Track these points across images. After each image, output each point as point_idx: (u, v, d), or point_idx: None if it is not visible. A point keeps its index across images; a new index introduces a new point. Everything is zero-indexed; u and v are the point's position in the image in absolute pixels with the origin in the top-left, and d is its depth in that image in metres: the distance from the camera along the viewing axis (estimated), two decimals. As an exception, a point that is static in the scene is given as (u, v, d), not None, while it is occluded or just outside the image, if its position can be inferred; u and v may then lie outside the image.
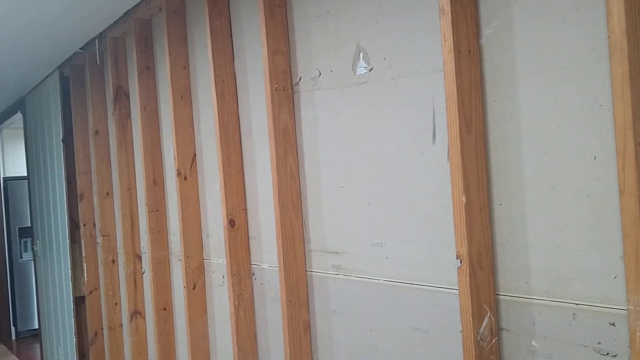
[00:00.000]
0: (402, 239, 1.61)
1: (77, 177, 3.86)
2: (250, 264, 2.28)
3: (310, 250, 1.96)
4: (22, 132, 5.40)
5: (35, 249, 5.03)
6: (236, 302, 2.25)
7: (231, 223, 2.26)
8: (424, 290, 1.55)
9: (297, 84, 1.96)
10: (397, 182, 1.62)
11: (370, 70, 1.68)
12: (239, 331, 2.25)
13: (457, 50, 1.37)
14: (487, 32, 1.38)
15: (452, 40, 1.37)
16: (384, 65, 1.64)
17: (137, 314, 3.17)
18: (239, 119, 2.28)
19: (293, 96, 1.98)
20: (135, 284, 3.19)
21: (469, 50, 1.39)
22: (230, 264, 2.26)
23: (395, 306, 1.64)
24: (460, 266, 1.35)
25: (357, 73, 1.72)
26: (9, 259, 6.89)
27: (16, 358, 6.07)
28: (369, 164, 1.71)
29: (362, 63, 1.70)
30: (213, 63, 2.24)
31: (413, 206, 1.58)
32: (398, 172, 1.62)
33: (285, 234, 1.97)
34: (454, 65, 1.37)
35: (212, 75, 2.24)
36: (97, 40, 3.31)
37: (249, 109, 2.22)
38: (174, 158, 2.60)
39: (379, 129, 1.67)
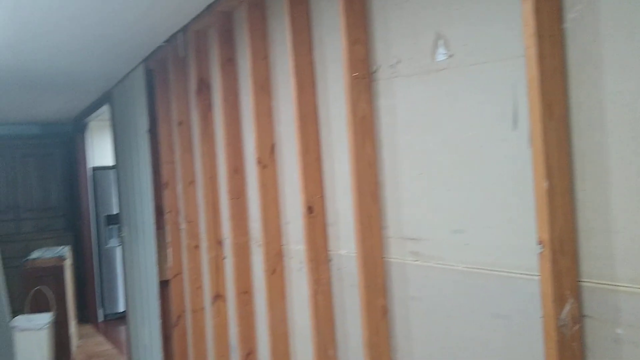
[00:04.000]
0: (482, 225, 1.61)
1: (161, 166, 4.04)
2: (328, 251, 2.32)
3: (388, 237, 1.99)
4: (108, 123, 5.68)
5: (122, 235, 5.29)
6: (314, 288, 2.31)
7: (309, 210, 2.32)
8: (504, 276, 1.55)
9: (375, 72, 1.99)
10: (477, 168, 1.63)
11: (450, 57, 1.69)
12: (318, 316, 2.31)
13: (539, 35, 1.36)
14: (571, 16, 1.36)
15: (533, 26, 1.36)
16: (464, 51, 1.64)
17: (218, 297, 3.30)
18: (317, 108, 2.32)
19: (371, 84, 2.00)
20: (217, 268, 3.31)
21: (552, 35, 1.38)
22: (308, 250, 2.32)
23: (474, 293, 1.65)
24: (542, 252, 1.35)
25: (436, 60, 1.73)
26: (97, 246, 7.27)
27: (103, 338, 6.41)
28: (448, 150, 1.72)
29: (441, 50, 1.71)
30: (293, 53, 2.29)
31: (493, 192, 1.58)
32: (477, 158, 1.62)
33: (363, 221, 2.00)
34: (535, 50, 1.36)
35: (292, 65, 2.30)
36: (180, 34, 3.44)
37: (328, 97, 2.26)
38: (254, 147, 2.68)
39: (458, 116, 1.68)
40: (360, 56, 2.00)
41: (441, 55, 1.71)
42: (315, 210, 2.32)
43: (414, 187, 1.86)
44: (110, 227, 7.27)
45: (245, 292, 2.97)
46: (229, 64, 2.98)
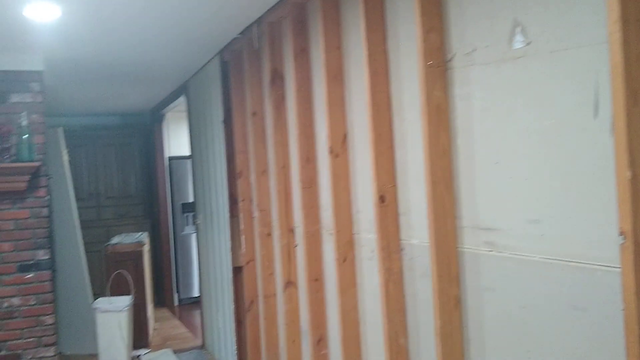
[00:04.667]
0: (560, 216, 1.58)
1: (235, 156, 4.13)
2: (400, 240, 2.33)
3: (462, 227, 1.97)
4: (184, 114, 5.85)
5: (197, 222, 5.45)
6: (386, 276, 2.32)
7: (381, 199, 2.33)
8: (583, 268, 1.52)
9: (450, 60, 1.97)
10: (555, 158, 1.59)
11: (528, 44, 1.65)
12: (389, 304, 2.32)
13: (624, 20, 1.32)
14: (659, -1, 1.31)
15: (618, 10, 1.32)
16: (543, 38, 1.61)
17: (290, 284, 3.36)
18: (390, 96, 2.33)
19: (446, 73, 1.99)
20: (289, 256, 3.37)
21: (638, 20, 1.33)
22: (380, 239, 2.33)
23: (550, 284, 1.62)
24: (624, 243, 1.31)
25: (513, 47, 1.70)
26: (173, 233, 7.51)
27: (179, 321, 6.63)
28: (524, 139, 1.69)
29: (519, 37, 1.68)
30: (366, 42, 2.30)
31: (572, 182, 1.55)
32: (556, 147, 1.59)
33: (437, 210, 2.00)
34: (620, 36, 1.32)
35: (366, 54, 2.31)
36: (255, 26, 3.51)
37: (401, 86, 2.26)
38: (327, 136, 2.71)
39: (536, 104, 1.65)
40: (435, 44, 1.99)
41: (519, 42, 1.68)
42: (387, 200, 2.32)
43: (489, 177, 1.84)
44: (186, 214, 7.49)
45: (316, 280, 3.02)
46: (302, 54, 3.01)
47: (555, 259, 1.60)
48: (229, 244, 4.40)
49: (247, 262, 4.10)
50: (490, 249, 1.85)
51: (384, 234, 2.32)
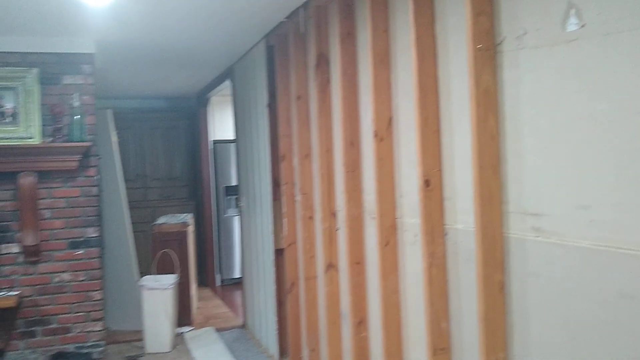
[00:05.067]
0: (610, 202, 1.55)
1: (279, 139, 4.17)
2: (444, 225, 2.32)
3: (509, 212, 1.96)
4: (229, 98, 5.92)
5: (240, 205, 5.53)
6: (429, 261, 2.32)
7: (426, 183, 2.32)
8: (633, 255, 1.49)
9: (500, 43, 1.95)
10: (608, 142, 1.56)
11: (582, 26, 1.62)
12: (431, 288, 2.32)
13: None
14: None
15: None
16: (598, 20, 1.57)
17: (331, 267, 3.39)
18: (437, 80, 2.31)
19: (495, 56, 1.97)
20: (330, 239, 3.39)
21: (699, 1, 1.29)
22: (424, 224, 2.33)
23: (599, 271, 1.60)
24: (678, 230, 1.28)
25: (567, 30, 1.67)
26: (216, 215, 7.63)
27: (221, 301, 6.75)
28: (575, 124, 1.67)
29: (573, 20, 1.65)
30: (414, 25, 2.29)
31: (623, 167, 1.52)
32: (608, 132, 1.56)
33: (483, 195, 1.99)
34: (680, 17, 1.29)
35: (413, 37, 2.29)
36: (301, 10, 3.52)
37: (448, 70, 2.25)
38: (372, 120, 2.71)
39: (589, 88, 1.62)
40: (485, 28, 1.96)
41: (572, 25, 1.65)
42: (432, 184, 2.32)
43: (537, 162, 1.82)
44: (229, 197, 7.60)
45: (357, 263, 3.04)
46: (349, 38, 3.01)
47: (604, 246, 1.58)
48: (271, 227, 4.45)
49: (289, 245, 4.15)
50: (537, 235, 1.83)
51: (428, 218, 2.32)
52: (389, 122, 2.68)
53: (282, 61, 4.08)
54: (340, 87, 3.04)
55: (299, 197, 3.94)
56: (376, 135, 2.68)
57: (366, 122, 2.93)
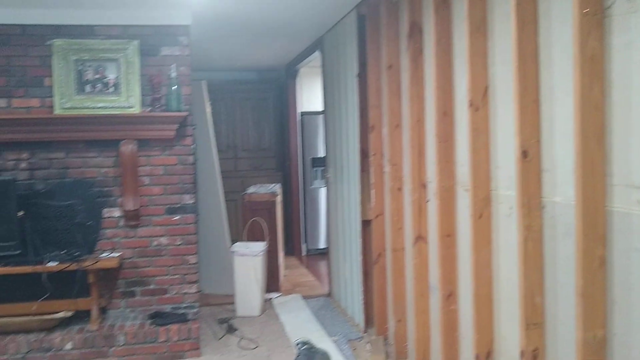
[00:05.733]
0: None
1: (368, 110, 4.16)
2: (541, 197, 2.26)
3: (612, 185, 1.88)
4: (318, 70, 5.94)
5: (327, 176, 5.58)
6: (524, 234, 2.26)
7: (524, 154, 2.26)
8: None
9: (609, 7, 1.85)
10: None
11: None
12: (526, 262, 2.27)
13: None
14: None
15: None
16: None
17: (420, 239, 3.37)
18: (538, 47, 2.23)
19: (603, 21, 1.87)
20: (419, 211, 3.37)
21: None
22: (520, 196, 2.27)
23: None
24: None
25: (686, -9, 1.56)
26: (303, 186, 7.75)
27: (306, 270, 6.88)
28: (692, 92, 1.57)
29: (694, -21, 1.54)
30: (515, -9, 2.21)
31: None
32: None
33: (585, 167, 1.91)
34: None
35: (513, 3, 2.21)
36: (394, -22, 3.47)
37: (550, 36, 2.16)
38: (467, 90, 2.65)
39: None
40: (593, -10, 1.87)
41: (693, -16, 1.54)
42: (530, 155, 2.25)
43: (647, 132, 1.73)
44: (315, 169, 7.69)
45: (448, 235, 3.01)
46: (443, 5, 2.94)
47: None
48: (358, 198, 4.48)
49: (376, 216, 4.16)
50: (644, 209, 1.75)
51: (525, 190, 2.25)
52: (485, 91, 2.62)
53: (373, 31, 4.04)
54: (433, 56, 2.99)
55: (387, 168, 3.93)
56: (471, 104, 2.62)
57: (460, 92, 2.87)
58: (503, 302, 2.57)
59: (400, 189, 3.77)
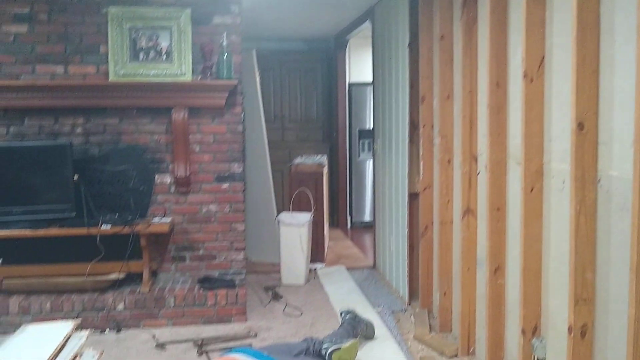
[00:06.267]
0: None
1: (419, 81, 4.11)
2: (597, 170, 2.20)
3: (673, 158, 1.82)
4: (367, 40, 5.88)
5: (374, 148, 5.55)
6: (577, 208, 2.22)
7: (580, 126, 2.20)
8: None
9: (678, -27, 1.77)
10: None
11: None
12: (578, 237, 2.23)
13: None
14: None
15: None
16: None
17: (469, 212, 3.34)
18: (599, 16, 2.15)
19: (672, -13, 1.79)
20: (469, 184, 3.34)
21: None
22: (574, 169, 2.22)
23: None
24: None
25: None
26: (349, 158, 7.74)
27: (351, 242, 6.92)
28: None
29: None
30: (578, -44, 2.13)
31: None
32: None
33: (645, 139, 1.85)
34: None
35: (575, -31, 2.14)
36: (449, -55, 3.39)
37: (613, 4, 2.08)
38: (522, 60, 2.59)
39: None
40: (662, -45, 1.79)
41: None
42: (586, 127, 2.19)
43: None
44: (362, 141, 7.66)
45: (498, 209, 2.97)
46: (500, -27, 2.87)
47: None
48: (406, 171, 4.45)
49: (424, 189, 4.13)
50: None
51: (579, 163, 2.20)
52: (541, 62, 2.55)
53: (426, 0, 3.97)
54: (488, 25, 2.92)
55: (437, 140, 3.89)
56: (526, 75, 2.56)
57: (515, 63, 2.80)
58: (552, 277, 2.53)
59: (449, 162, 3.73)
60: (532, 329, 2.64)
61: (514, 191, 2.83)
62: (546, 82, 2.54)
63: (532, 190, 2.60)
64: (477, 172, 3.28)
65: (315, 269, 5.57)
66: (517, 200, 2.73)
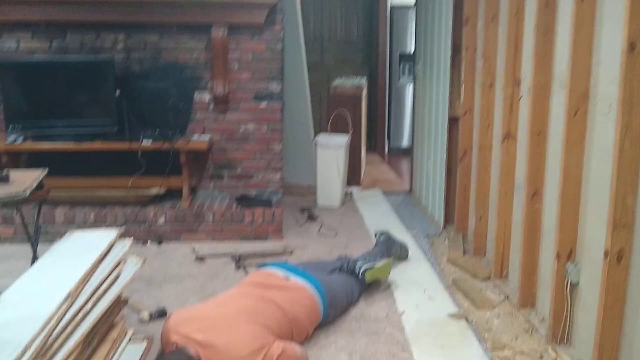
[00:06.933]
0: None
1: (463, 2, 3.96)
2: (646, 94, 2.13)
3: None
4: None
5: (415, 72, 5.45)
6: (623, 132, 2.16)
7: (631, 47, 2.11)
8: None
9: None
10: None
11: None
12: (621, 161, 2.18)
13: None
14: None
15: None
16: None
17: (509, 136, 3.29)
18: None
19: None
20: (510, 107, 3.27)
21: None
22: (622, 92, 2.14)
23: None
24: None
25: None
26: (388, 82, 7.63)
27: (387, 167, 6.93)
28: None
29: None
30: None
31: None
32: None
33: (700, 59, 1.77)
34: None
35: None
36: None
37: None
38: (574, -23, 2.47)
39: None
40: None
41: None
42: (637, 48, 2.10)
43: None
44: (403, 64, 7.52)
45: (539, 133, 2.91)
46: None
47: None
48: (447, 95, 4.38)
49: (465, 113, 4.07)
50: None
51: (628, 85, 2.13)
52: (595, -21, 2.43)
53: None
54: (541, -60, 2.78)
55: (479, 63, 3.79)
56: (577, -7, 2.45)
57: (567, -20, 2.67)
58: (590, 202, 2.50)
59: (492, 86, 3.65)
60: (567, 254, 2.63)
61: (557, 115, 2.77)
62: (598, 1, 2.43)
63: (575, 114, 2.53)
64: (520, 96, 3.20)
65: (351, 192, 5.62)
66: (559, 125, 2.67)
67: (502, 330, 2.85)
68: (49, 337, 1.77)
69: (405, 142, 7.66)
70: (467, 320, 2.95)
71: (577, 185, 2.59)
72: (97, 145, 4.07)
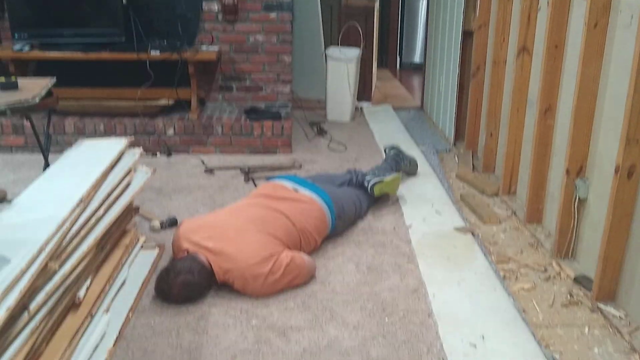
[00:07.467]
0: None
1: None
2: (671, 5, 2.05)
3: None
4: None
5: (430, -17, 5.26)
6: (643, 45, 2.10)
7: (660, -46, 2.01)
8: None
9: None
10: None
11: None
12: (638, 77, 2.13)
13: None
14: None
15: None
16: None
17: (524, 50, 3.20)
18: None
19: None
20: (528, 20, 3.17)
21: None
22: (646, 2, 2.07)
23: None
24: None
25: None
26: (402, -5, 7.40)
27: (399, 82, 6.83)
28: None
29: None
30: None
31: None
32: None
33: None
34: None
35: None
36: None
37: None
38: None
39: None
40: None
41: None
42: (667, -45, 2.00)
43: None
44: (418, -24, 7.27)
45: (556, 47, 2.83)
46: None
47: None
48: (462, 7, 4.24)
49: (479, 27, 3.96)
50: None
51: (653, -4, 2.05)
52: None
53: None
54: None
55: (498, -26, 3.65)
56: None
57: None
58: (604, 118, 2.47)
59: (509, -3, 3.53)
60: (577, 170, 2.62)
61: (576, 28, 2.68)
62: None
63: (596, 25, 2.45)
64: (538, 7, 3.09)
65: (361, 107, 5.57)
66: (578, 38, 2.59)
67: (507, 244, 2.88)
68: (63, 239, 1.81)
69: (417, 57, 7.51)
70: (473, 234, 2.98)
71: (592, 101, 2.54)
72: (105, 55, 4.01)
